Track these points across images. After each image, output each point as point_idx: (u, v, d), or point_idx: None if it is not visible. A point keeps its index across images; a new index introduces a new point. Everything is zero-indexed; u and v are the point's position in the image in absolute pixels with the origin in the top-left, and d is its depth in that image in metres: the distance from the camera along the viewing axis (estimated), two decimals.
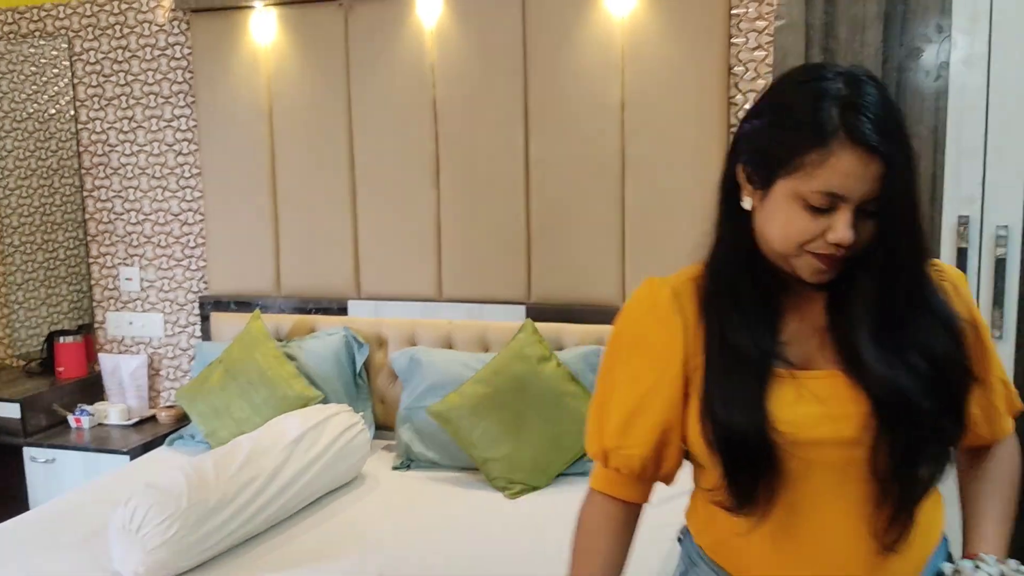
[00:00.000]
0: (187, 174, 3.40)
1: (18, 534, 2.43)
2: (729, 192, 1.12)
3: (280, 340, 3.16)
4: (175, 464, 2.58)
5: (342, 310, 3.22)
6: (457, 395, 2.73)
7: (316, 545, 2.31)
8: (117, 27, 3.40)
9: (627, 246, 2.92)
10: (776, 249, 1.07)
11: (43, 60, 3.71)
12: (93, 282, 3.63)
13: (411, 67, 3.05)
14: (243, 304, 3.33)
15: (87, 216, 3.60)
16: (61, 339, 3.54)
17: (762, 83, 2.71)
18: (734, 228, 1.12)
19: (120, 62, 3.42)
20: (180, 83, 3.35)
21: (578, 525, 1.22)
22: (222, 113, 3.27)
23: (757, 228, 1.09)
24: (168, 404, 3.49)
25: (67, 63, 3.53)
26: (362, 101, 3.12)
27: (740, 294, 1.10)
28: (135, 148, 3.46)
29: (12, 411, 3.27)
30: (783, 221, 1.04)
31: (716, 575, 1.20)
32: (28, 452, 3.24)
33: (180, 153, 3.40)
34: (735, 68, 2.75)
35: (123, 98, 3.44)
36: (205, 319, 3.39)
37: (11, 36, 3.60)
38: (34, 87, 3.75)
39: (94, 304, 3.65)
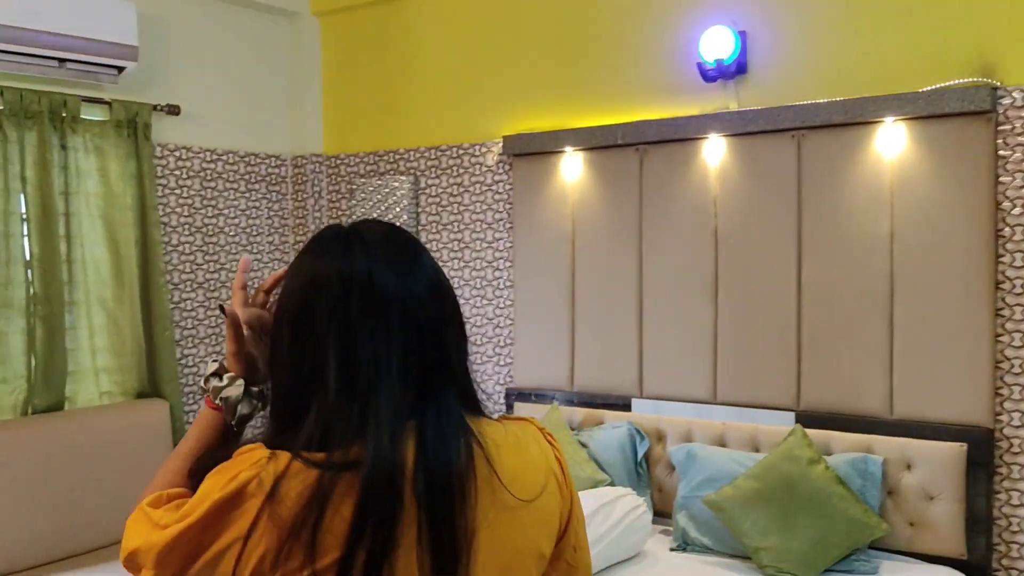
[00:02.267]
0: (502, 286, 4.09)
1: None
2: None
3: (573, 429, 3.68)
4: None
5: (626, 406, 3.70)
6: (731, 488, 3.08)
7: None
8: (454, 168, 4.22)
9: (895, 362, 3.17)
10: None
11: (387, 191, 4.64)
12: None
13: (695, 199, 3.55)
14: (541, 396, 3.91)
15: None
16: None
17: None
18: None
19: (455, 195, 4.23)
20: (501, 212, 4.08)
21: None
22: (534, 237, 3.94)
23: None
24: None
25: (412, 195, 4.40)
26: (652, 227, 3.66)
27: None
28: (462, 264, 4.22)
29: None
30: None
31: None
32: None
33: (497, 269, 4.11)
34: (1003, 204, 2.98)
35: (455, 224, 4.23)
36: (510, 407, 4.00)
37: (370, 173, 4.55)
38: (379, 213, 4.67)
39: None
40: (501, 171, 4.09)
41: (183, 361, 4.14)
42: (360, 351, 0.97)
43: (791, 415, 3.33)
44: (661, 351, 3.65)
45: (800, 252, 3.35)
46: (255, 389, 1.14)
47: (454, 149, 4.23)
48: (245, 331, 1.13)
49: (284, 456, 0.92)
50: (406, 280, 1.01)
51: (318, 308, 0.99)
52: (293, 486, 0.90)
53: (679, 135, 3.54)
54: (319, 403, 0.95)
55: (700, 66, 3.42)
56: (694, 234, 3.56)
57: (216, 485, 0.93)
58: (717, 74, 3.41)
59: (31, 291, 3.47)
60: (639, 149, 3.67)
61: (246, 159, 4.44)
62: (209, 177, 4.26)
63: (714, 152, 3.51)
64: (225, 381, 1.13)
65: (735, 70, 3.42)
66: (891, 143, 3.16)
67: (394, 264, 1.01)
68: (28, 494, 3.26)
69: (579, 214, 3.84)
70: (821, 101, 3.25)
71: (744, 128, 3.40)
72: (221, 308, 1.18)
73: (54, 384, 3.53)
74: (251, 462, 0.93)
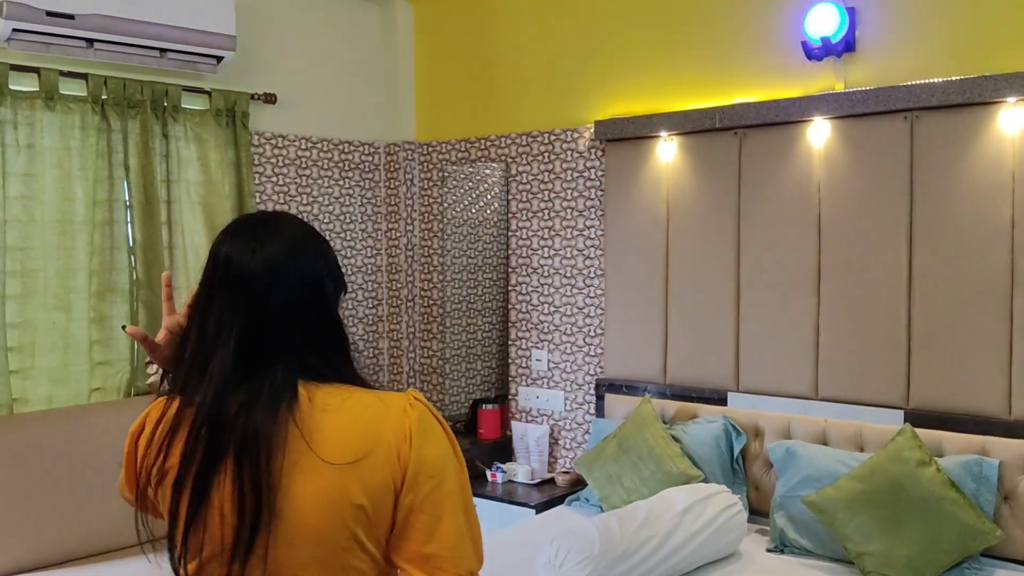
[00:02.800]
0: (592, 275, 4.01)
1: None
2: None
3: (665, 423, 3.58)
4: (582, 519, 3.08)
5: (721, 400, 3.58)
6: (833, 489, 2.94)
7: None
8: (546, 154, 4.16)
9: (1014, 359, 2.96)
10: None
11: (479, 178, 4.61)
12: (509, 360, 4.35)
13: (798, 186, 3.39)
14: (632, 388, 3.82)
15: (509, 306, 4.35)
16: (483, 406, 4.29)
17: None
18: None
19: (546, 182, 4.17)
20: (592, 199, 4.00)
21: None
22: (626, 224, 3.84)
23: None
24: (564, 470, 4.06)
25: (503, 182, 4.35)
26: (750, 214, 3.51)
27: None
28: (552, 252, 4.15)
29: None
30: None
31: None
32: None
33: (588, 257, 4.03)
34: None
35: (546, 211, 4.17)
36: (600, 398, 3.92)
37: (461, 160, 4.52)
38: (471, 200, 4.65)
39: (509, 379, 4.36)
40: (593, 157, 4.00)
41: None
42: (210, 319, 1.24)
43: (899, 413, 3.15)
44: (759, 344, 3.51)
45: (911, 241, 3.16)
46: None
47: (545, 135, 4.16)
48: (163, 335, 1.38)
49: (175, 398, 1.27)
50: (252, 260, 1.23)
51: (201, 282, 1.29)
52: (168, 413, 1.26)
53: (781, 118, 3.38)
54: (186, 358, 1.26)
55: (805, 44, 3.26)
56: (796, 222, 3.41)
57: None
58: (823, 52, 3.25)
59: (134, 276, 3.58)
60: (738, 133, 3.53)
61: (340, 147, 4.48)
62: (304, 165, 4.31)
63: (818, 136, 3.34)
64: (152, 370, 1.44)
65: (842, 48, 3.24)
66: (1013, 125, 2.95)
67: (249, 245, 1.25)
68: None
69: (674, 201, 3.72)
70: (936, 80, 3.05)
71: (852, 110, 3.22)
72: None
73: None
74: (156, 403, 1.32)
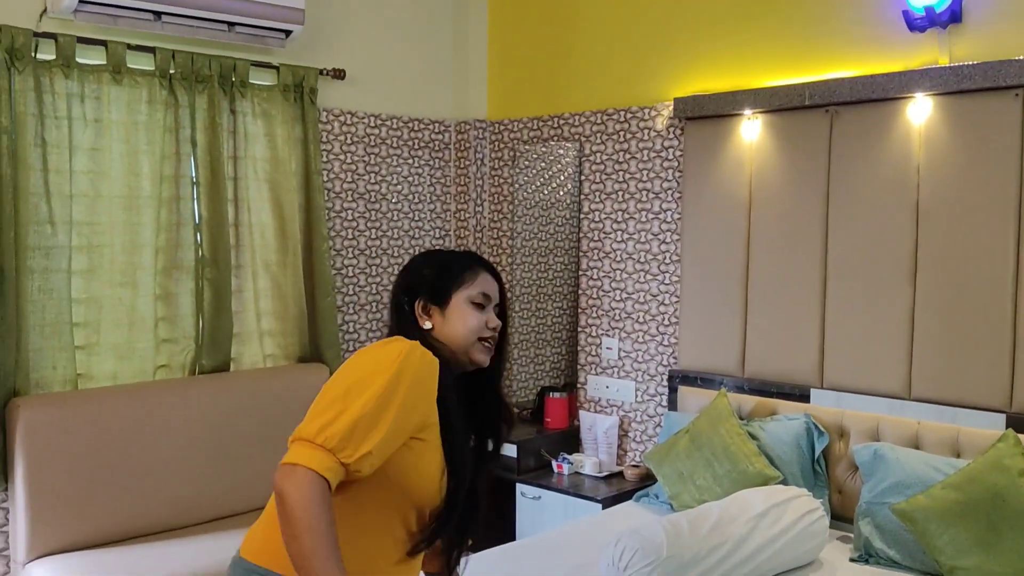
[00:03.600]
0: (667, 260, 3.82)
1: (506, 557, 2.92)
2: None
3: (742, 419, 3.38)
4: (648, 519, 2.91)
5: (803, 397, 3.36)
6: (925, 497, 2.70)
7: None
8: (621, 133, 3.97)
9: None
10: (460, 340, 1.62)
11: (552, 158, 4.45)
12: (579, 348, 4.20)
13: (894, 168, 3.14)
14: (707, 380, 3.62)
15: (580, 291, 4.19)
16: (551, 394, 4.15)
17: None
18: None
19: (621, 162, 3.98)
20: (670, 181, 3.80)
21: (303, 500, 1.33)
22: (705, 207, 3.63)
23: (441, 336, 1.63)
24: (634, 463, 3.89)
25: (576, 162, 4.19)
26: (840, 198, 3.27)
27: (457, 391, 1.60)
28: (625, 236, 3.97)
29: (510, 451, 3.91)
30: (465, 320, 1.63)
31: None
32: (520, 488, 3.84)
33: (663, 242, 3.83)
34: None
35: (620, 193, 3.99)
36: (673, 391, 3.74)
37: (533, 139, 4.37)
38: (542, 181, 4.49)
39: (578, 367, 4.21)
40: (671, 136, 3.80)
41: (344, 327, 4.14)
42: None
43: (1001, 417, 2.89)
44: (847, 338, 3.27)
45: (1020, 230, 2.88)
46: None
47: (621, 113, 3.97)
48: None
49: None
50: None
51: None
52: None
53: (878, 94, 3.13)
54: None
55: (906, 14, 3.00)
56: (891, 207, 3.16)
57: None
58: (926, 23, 2.99)
59: (200, 253, 3.54)
60: (829, 111, 3.28)
61: (410, 124, 4.37)
62: (373, 143, 4.22)
63: (919, 114, 3.08)
64: None
65: (947, 18, 2.97)
66: None
67: None
68: (192, 452, 3.34)
69: (757, 184, 3.50)
70: None
71: (957, 86, 2.95)
72: None
73: (220, 345, 3.60)
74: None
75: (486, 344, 1.64)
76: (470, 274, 1.66)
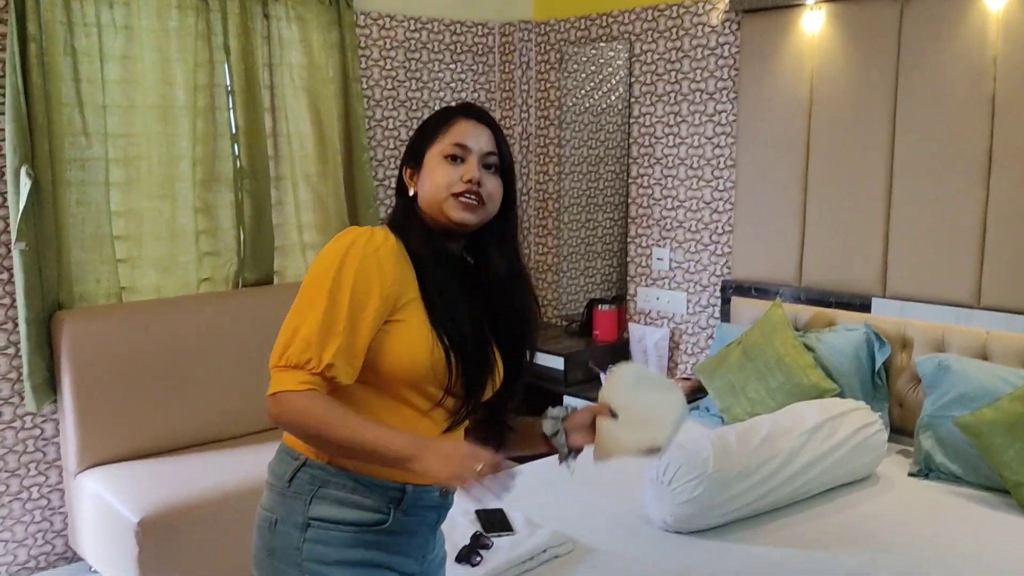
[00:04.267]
0: (722, 165, 3.63)
1: (549, 470, 2.84)
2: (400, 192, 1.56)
3: (798, 330, 3.24)
4: (696, 433, 2.82)
5: (864, 307, 3.19)
6: (991, 409, 2.56)
7: (824, 534, 2.37)
8: (673, 30, 3.74)
9: None
10: (431, 200, 1.47)
11: (601, 61, 4.23)
12: (628, 259, 4.07)
13: (969, 60, 2.88)
14: (762, 291, 3.47)
15: (629, 200, 4.03)
16: (599, 307, 4.04)
17: None
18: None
19: (673, 62, 3.76)
20: (725, 80, 3.58)
21: (300, 414, 1.33)
22: (762, 107, 3.42)
23: (421, 201, 1.50)
24: (684, 376, 3.79)
25: (626, 63, 3.97)
26: (909, 95, 3.04)
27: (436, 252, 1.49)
28: (677, 140, 3.78)
29: (557, 364, 3.84)
30: (433, 176, 1.48)
31: (364, 485, 1.43)
32: (567, 400, 3.77)
33: (717, 146, 3.64)
34: None
35: (672, 95, 3.78)
36: (726, 301, 3.60)
37: (581, 40, 4.16)
38: (591, 85, 4.29)
39: (627, 278, 4.08)
40: (727, 32, 3.56)
41: None
42: None
43: None
44: (912, 243, 3.08)
45: None
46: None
47: (673, 8, 3.73)
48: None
49: None
50: None
51: None
52: None
53: None
54: None
55: None
56: (964, 103, 2.91)
57: None
58: None
59: (238, 165, 3.47)
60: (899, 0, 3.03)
61: (451, 27, 4.19)
62: (413, 48, 4.06)
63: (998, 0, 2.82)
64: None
65: None
66: None
67: None
68: (237, 365, 3.34)
69: (819, 80, 3.27)
70: None
71: None
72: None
73: (262, 258, 3.56)
74: None
75: (462, 200, 1.46)
76: (444, 126, 1.50)
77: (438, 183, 1.47)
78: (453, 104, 1.60)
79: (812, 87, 3.28)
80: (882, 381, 3.05)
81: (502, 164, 1.52)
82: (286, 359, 1.36)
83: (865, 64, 3.13)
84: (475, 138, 1.49)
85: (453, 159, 1.48)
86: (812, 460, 2.53)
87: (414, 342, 1.42)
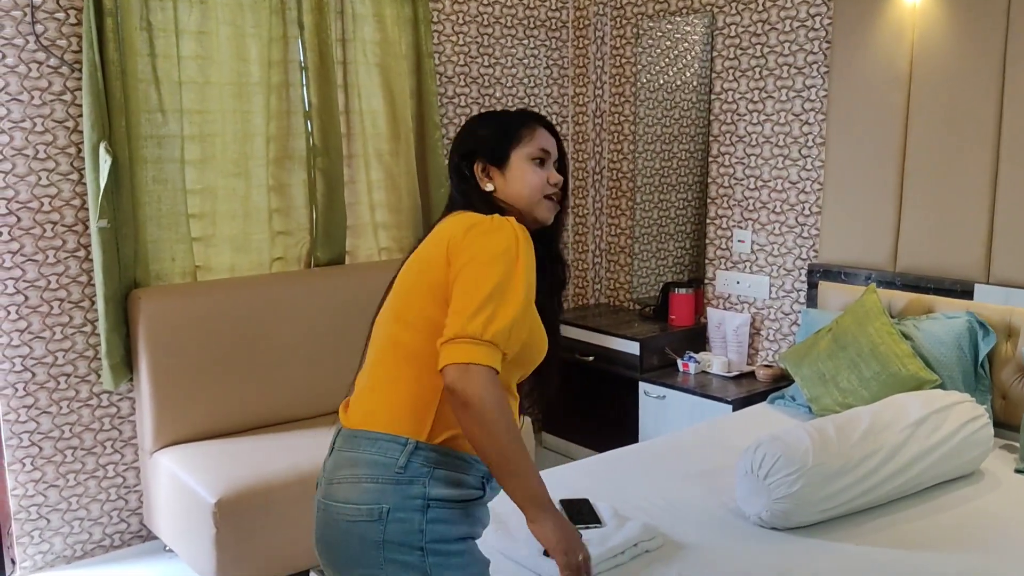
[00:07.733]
0: (810, 143, 3.47)
1: (633, 457, 2.76)
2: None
3: (893, 317, 3.08)
4: (789, 424, 2.69)
5: (966, 293, 3.01)
6: None
7: (929, 533, 2.23)
8: (760, 1, 3.57)
9: None
10: (524, 199, 1.59)
11: (677, 35, 4.08)
12: (707, 241, 3.92)
13: None
14: (852, 275, 3.31)
15: (709, 180, 3.88)
16: (676, 290, 3.91)
17: None
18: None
19: (758, 35, 3.60)
20: (815, 53, 3.41)
21: (492, 400, 1.35)
22: (856, 82, 3.24)
23: (504, 196, 1.60)
24: (767, 363, 3.65)
25: (703, 38, 3.82)
26: (1019, 69, 2.84)
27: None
28: (762, 118, 3.62)
29: (633, 348, 3.73)
30: (526, 178, 1.59)
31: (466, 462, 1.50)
32: (643, 387, 3.66)
33: (806, 123, 3.47)
34: None
35: (757, 69, 3.62)
36: (812, 286, 3.44)
37: (659, 13, 4.01)
38: (666, 61, 4.14)
39: (706, 261, 3.95)
40: (819, 2, 3.38)
41: None
42: None
43: None
44: (1020, 227, 2.90)
45: None
46: None
47: None
48: None
49: None
50: None
51: None
52: None
53: None
54: None
55: None
56: None
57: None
58: None
59: (311, 142, 3.42)
60: None
61: (525, 1, 4.07)
62: (486, 22, 3.95)
63: None
64: None
65: None
66: None
67: None
68: (310, 345, 3.30)
69: (920, 53, 3.08)
70: None
71: None
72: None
73: (334, 238, 3.50)
74: None
75: (550, 201, 1.62)
76: (527, 131, 1.61)
77: (533, 185, 1.59)
78: (521, 111, 1.68)
79: (913, 59, 3.10)
80: (985, 372, 2.89)
81: (562, 166, 1.66)
82: (491, 334, 1.38)
83: (970, 36, 2.94)
84: (551, 144, 1.64)
85: (539, 163, 1.61)
86: (917, 455, 2.39)
87: (538, 328, 1.54)
